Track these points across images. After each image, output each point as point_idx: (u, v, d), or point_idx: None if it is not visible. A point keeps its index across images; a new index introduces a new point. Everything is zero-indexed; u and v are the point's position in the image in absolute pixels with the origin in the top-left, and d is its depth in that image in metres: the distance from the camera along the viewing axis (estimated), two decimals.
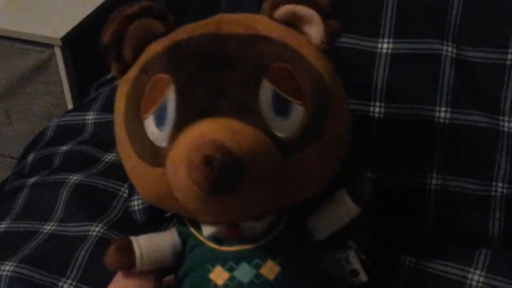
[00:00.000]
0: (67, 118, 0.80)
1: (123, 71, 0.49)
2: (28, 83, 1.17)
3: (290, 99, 0.45)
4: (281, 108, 0.45)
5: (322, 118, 0.46)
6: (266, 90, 0.45)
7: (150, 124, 0.46)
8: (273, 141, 0.44)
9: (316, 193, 0.49)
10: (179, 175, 0.42)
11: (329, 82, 0.47)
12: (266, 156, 0.43)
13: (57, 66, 1.13)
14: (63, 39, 1.10)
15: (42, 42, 1.12)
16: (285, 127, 0.45)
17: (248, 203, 0.44)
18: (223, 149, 0.41)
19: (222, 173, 0.40)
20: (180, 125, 0.44)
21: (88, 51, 1.14)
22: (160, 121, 0.45)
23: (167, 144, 0.45)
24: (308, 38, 0.48)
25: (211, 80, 0.45)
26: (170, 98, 0.45)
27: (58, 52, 1.12)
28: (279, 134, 0.45)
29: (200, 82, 0.45)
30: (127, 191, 0.67)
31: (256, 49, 0.46)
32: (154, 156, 0.46)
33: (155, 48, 0.48)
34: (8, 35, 1.14)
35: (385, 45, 0.61)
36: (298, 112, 0.45)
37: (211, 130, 0.42)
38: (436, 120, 0.60)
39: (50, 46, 1.12)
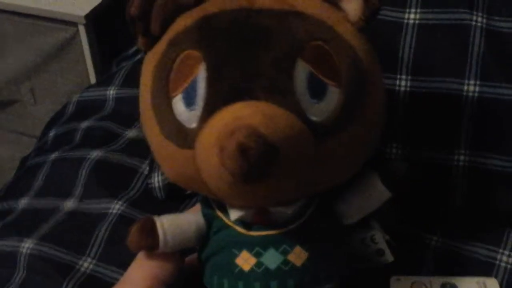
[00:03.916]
0: (88, 94, 0.79)
1: (150, 45, 0.46)
2: (52, 61, 1.18)
3: (326, 80, 0.42)
4: (317, 90, 0.42)
5: (358, 100, 0.43)
6: (301, 71, 0.42)
7: (178, 104, 0.43)
8: (307, 125, 0.41)
9: (350, 176, 0.47)
10: (210, 161, 0.40)
11: (366, 62, 0.44)
12: (300, 142, 0.41)
13: (81, 44, 1.14)
14: (87, 17, 1.10)
15: (66, 20, 1.12)
16: (320, 110, 0.42)
17: (280, 189, 0.42)
18: (257, 136, 0.38)
19: (256, 162, 0.38)
20: (211, 107, 0.42)
21: (112, 28, 1.14)
22: (189, 101, 0.43)
23: (196, 125, 0.42)
24: (346, 14, 0.45)
25: (244, 59, 0.42)
26: (200, 77, 0.42)
27: (82, 30, 1.12)
28: (313, 118, 0.42)
29: (232, 60, 0.42)
30: (147, 168, 0.67)
31: (291, 26, 0.43)
32: (183, 137, 0.43)
33: (184, 21, 0.45)
34: (32, 13, 1.14)
35: (412, 16, 0.59)
36: (333, 94, 0.43)
37: (245, 114, 0.40)
38: (465, 93, 0.58)
39: (74, 24, 1.12)
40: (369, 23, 0.46)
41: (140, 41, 0.46)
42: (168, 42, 0.45)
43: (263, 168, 0.39)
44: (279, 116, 0.40)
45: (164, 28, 0.46)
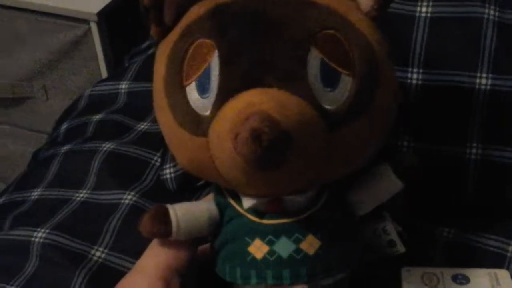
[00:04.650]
0: (100, 88, 0.79)
1: (163, 34, 0.47)
2: (65, 59, 1.18)
3: (339, 69, 0.43)
4: (329, 78, 0.43)
5: (371, 89, 0.44)
6: (314, 59, 0.42)
7: (192, 92, 0.44)
8: (320, 113, 0.42)
9: (362, 166, 0.47)
10: (223, 147, 0.41)
11: (378, 51, 0.45)
12: (313, 129, 0.41)
13: (93, 42, 1.14)
14: (99, 14, 1.10)
15: (78, 18, 1.12)
16: (333, 99, 0.43)
17: (293, 177, 0.43)
18: (271, 122, 0.39)
19: (270, 148, 0.39)
20: (224, 94, 0.42)
21: (124, 26, 1.14)
22: (203, 89, 0.43)
23: (210, 113, 0.43)
24: (358, 4, 0.46)
25: (257, 47, 0.43)
26: (214, 65, 0.43)
27: (94, 27, 1.12)
28: (326, 106, 0.42)
29: (245, 48, 0.43)
30: (159, 159, 0.67)
31: (304, 15, 0.43)
32: (196, 125, 0.44)
33: (197, 11, 0.46)
34: (44, 11, 1.14)
35: (424, 9, 0.59)
36: (346, 82, 0.43)
37: (258, 101, 0.40)
38: (477, 86, 0.58)
39: (86, 21, 1.12)
40: (381, 13, 0.46)
41: (154, 31, 0.47)
42: (182, 32, 0.45)
43: (276, 154, 0.40)
44: (292, 103, 0.41)
45: (177, 18, 0.46)
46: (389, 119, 0.46)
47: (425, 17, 0.59)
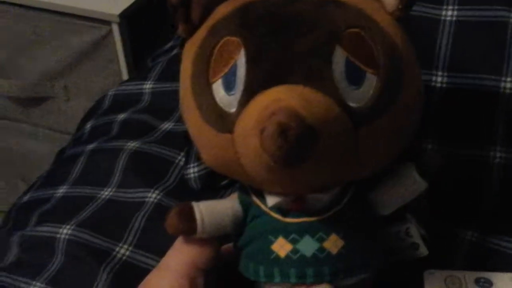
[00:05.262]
0: (124, 88, 0.80)
1: (190, 32, 0.47)
2: (86, 60, 1.19)
3: (364, 67, 0.43)
4: (354, 76, 0.43)
5: (395, 87, 0.44)
6: (339, 57, 0.43)
7: (218, 89, 0.44)
8: (345, 111, 0.42)
9: (386, 165, 0.47)
10: (249, 143, 0.41)
11: (403, 50, 0.45)
12: (338, 127, 0.42)
13: (114, 43, 1.14)
14: (121, 15, 1.11)
15: (100, 19, 1.13)
16: (358, 97, 0.43)
17: (318, 174, 0.43)
18: (297, 118, 0.39)
19: (296, 143, 0.39)
20: (250, 91, 0.42)
21: (146, 27, 1.15)
22: (229, 86, 0.44)
23: (236, 110, 0.43)
24: (382, 3, 0.46)
25: (283, 45, 0.43)
26: (240, 62, 0.43)
27: (115, 28, 1.12)
28: (351, 104, 0.43)
29: (271, 46, 0.43)
30: (183, 159, 0.67)
31: (329, 14, 0.44)
32: (222, 121, 0.44)
33: (224, 9, 0.46)
34: (66, 12, 1.15)
35: (449, 13, 0.59)
36: (371, 81, 0.43)
37: (284, 97, 0.40)
38: (502, 90, 0.58)
39: (107, 22, 1.13)
40: (406, 13, 0.46)
41: (181, 29, 0.47)
42: (208, 29, 0.46)
43: (302, 150, 0.40)
44: (318, 100, 0.41)
45: (204, 16, 0.47)
46: (413, 118, 0.46)
47: (451, 21, 0.59)
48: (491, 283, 0.53)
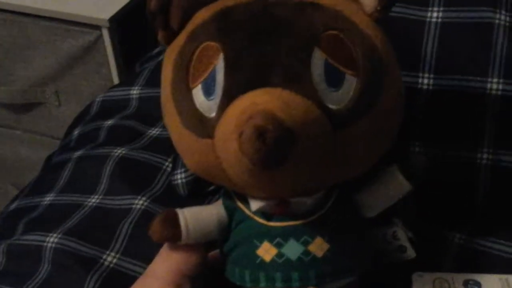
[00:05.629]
0: (112, 93, 0.80)
1: (170, 39, 0.48)
2: (77, 65, 1.19)
3: (343, 69, 0.43)
4: (333, 78, 0.43)
5: (375, 89, 0.44)
6: (318, 59, 0.43)
7: (198, 94, 0.45)
8: (324, 113, 0.42)
9: (368, 168, 0.47)
10: (229, 147, 0.41)
11: (382, 51, 0.45)
12: (318, 129, 0.42)
13: (104, 48, 1.14)
14: (111, 20, 1.11)
15: (90, 24, 1.13)
16: (337, 99, 0.43)
17: (298, 178, 0.43)
18: (275, 120, 0.39)
19: (274, 145, 0.39)
20: (229, 95, 0.43)
21: (136, 32, 1.15)
22: (208, 91, 0.44)
23: (216, 114, 0.43)
24: (361, 5, 0.46)
25: (261, 48, 0.43)
26: (219, 67, 0.44)
27: (105, 33, 1.12)
28: (330, 106, 0.43)
29: (249, 50, 0.43)
30: (170, 165, 0.67)
31: (306, 16, 0.44)
32: (202, 127, 0.44)
33: (202, 15, 0.46)
34: (55, 17, 1.15)
35: (434, 14, 0.59)
36: (350, 82, 0.43)
37: (262, 100, 0.41)
38: (488, 91, 0.58)
39: (97, 27, 1.13)
40: (385, 14, 0.46)
41: (161, 35, 0.47)
42: (188, 35, 0.46)
43: (280, 152, 0.40)
44: (296, 102, 0.41)
45: (183, 22, 0.47)
46: (394, 119, 0.46)
47: (436, 22, 0.59)
48: (479, 285, 0.53)
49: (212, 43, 0.44)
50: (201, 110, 0.44)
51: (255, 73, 0.43)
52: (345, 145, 0.43)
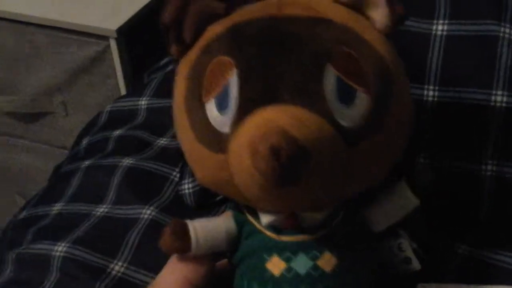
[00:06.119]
0: (120, 104, 0.80)
1: (182, 52, 0.48)
2: (84, 75, 1.19)
3: (355, 86, 0.43)
4: (346, 95, 0.43)
5: (386, 106, 0.44)
6: (330, 76, 0.43)
7: (211, 108, 0.45)
8: (337, 130, 0.42)
9: (379, 182, 0.47)
10: (242, 164, 0.41)
11: (393, 68, 0.45)
12: (331, 146, 0.42)
13: (112, 58, 1.14)
14: (118, 30, 1.11)
15: (97, 34, 1.13)
16: (349, 116, 0.43)
17: (311, 194, 0.43)
18: (289, 138, 0.39)
19: (288, 164, 0.39)
20: (243, 111, 0.43)
21: (144, 43, 1.15)
22: (222, 106, 0.44)
23: (229, 130, 0.43)
24: (372, 22, 0.46)
25: (274, 64, 0.43)
26: (233, 82, 0.44)
27: (113, 44, 1.12)
28: (343, 123, 0.43)
29: (263, 66, 0.43)
30: (178, 175, 0.68)
31: (319, 33, 0.44)
32: (216, 142, 0.44)
33: (215, 29, 0.47)
34: (63, 27, 1.15)
35: (440, 27, 0.59)
36: (362, 99, 0.43)
37: (276, 117, 0.41)
38: (492, 104, 0.58)
39: (105, 38, 1.13)
40: (395, 30, 0.46)
41: (173, 49, 0.47)
42: (201, 49, 0.46)
43: (295, 170, 0.40)
44: (310, 119, 0.41)
45: (196, 36, 0.47)
46: (405, 135, 0.47)
47: (441, 35, 0.59)
48: None
49: (226, 58, 0.44)
50: (214, 124, 0.44)
51: (268, 88, 0.43)
52: (358, 162, 0.43)
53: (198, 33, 0.47)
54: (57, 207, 0.68)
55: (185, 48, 0.47)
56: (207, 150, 0.45)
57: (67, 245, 0.62)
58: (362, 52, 0.44)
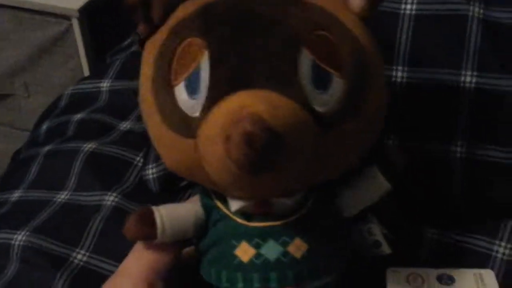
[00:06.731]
0: (81, 86, 0.79)
1: (150, 32, 0.46)
2: (46, 55, 1.18)
3: (330, 70, 0.42)
4: (321, 80, 0.42)
5: (362, 90, 0.43)
6: (305, 60, 0.41)
7: (181, 92, 0.43)
8: (312, 115, 0.41)
9: (352, 167, 0.46)
10: (213, 150, 0.40)
11: (369, 52, 0.44)
12: (305, 132, 0.40)
13: (74, 38, 1.13)
14: (81, 10, 1.10)
15: (60, 14, 1.12)
16: (324, 101, 0.42)
17: (284, 180, 0.42)
18: (263, 125, 0.38)
19: (262, 151, 0.38)
20: (214, 95, 0.41)
21: (106, 22, 1.14)
22: (192, 89, 0.42)
23: (199, 114, 0.42)
24: (348, 4, 0.45)
25: (247, 46, 0.42)
26: (204, 65, 0.42)
27: (75, 23, 1.12)
28: (318, 108, 0.42)
29: (235, 49, 0.42)
30: (142, 160, 0.66)
31: (294, 15, 0.43)
32: (185, 126, 0.43)
33: (186, 9, 0.45)
34: (25, 7, 1.13)
35: (408, 6, 0.58)
36: (338, 84, 0.42)
37: (249, 103, 0.39)
38: (462, 84, 0.57)
39: (67, 17, 1.12)
40: (372, 13, 0.45)
41: (141, 28, 0.45)
42: (170, 30, 0.44)
43: (269, 158, 0.39)
44: (284, 105, 0.40)
45: (165, 16, 0.45)
46: (380, 119, 0.46)
47: (410, 14, 0.58)
48: (453, 280, 0.53)
49: (197, 39, 0.43)
50: (183, 108, 0.43)
51: (241, 72, 0.41)
52: (332, 147, 0.42)
53: (167, 12, 0.45)
54: (16, 194, 0.66)
55: (154, 28, 0.45)
56: (175, 134, 0.43)
57: (27, 233, 0.60)
58: (337, 35, 0.43)
